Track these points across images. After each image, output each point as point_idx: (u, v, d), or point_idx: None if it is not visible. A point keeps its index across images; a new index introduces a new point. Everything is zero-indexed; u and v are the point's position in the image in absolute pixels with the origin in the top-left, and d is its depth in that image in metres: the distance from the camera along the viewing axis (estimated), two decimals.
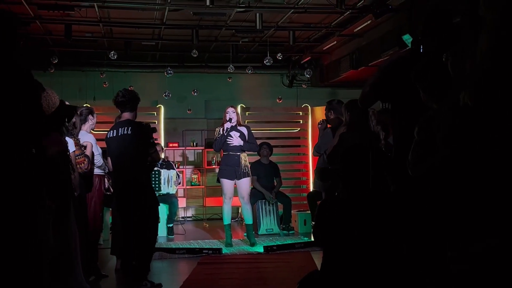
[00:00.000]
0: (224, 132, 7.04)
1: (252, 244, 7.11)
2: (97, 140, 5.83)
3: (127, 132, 5.00)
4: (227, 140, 7.07)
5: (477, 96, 1.85)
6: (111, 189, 6.50)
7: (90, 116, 5.60)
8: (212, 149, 7.72)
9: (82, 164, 4.90)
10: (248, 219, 7.24)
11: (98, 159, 5.65)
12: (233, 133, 7.08)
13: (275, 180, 8.52)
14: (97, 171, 5.80)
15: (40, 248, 2.77)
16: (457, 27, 2.97)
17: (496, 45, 1.80)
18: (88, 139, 5.35)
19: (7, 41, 2.75)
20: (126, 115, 5.17)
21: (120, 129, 5.05)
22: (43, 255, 2.81)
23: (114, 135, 5.07)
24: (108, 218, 7.70)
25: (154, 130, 5.32)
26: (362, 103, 3.47)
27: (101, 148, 5.89)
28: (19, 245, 2.63)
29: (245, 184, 7.13)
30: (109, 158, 5.36)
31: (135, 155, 5.02)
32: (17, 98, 2.66)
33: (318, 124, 7.28)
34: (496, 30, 1.80)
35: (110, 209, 7.07)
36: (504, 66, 1.80)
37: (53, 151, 3.80)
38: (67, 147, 4.26)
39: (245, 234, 7.59)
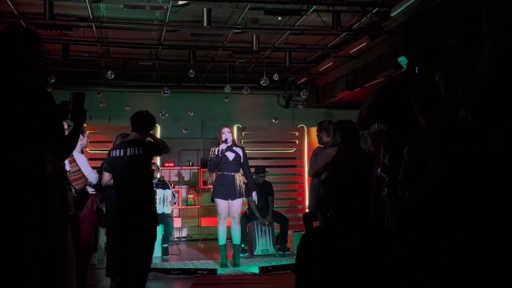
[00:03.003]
0: (219, 153, 7.04)
1: (236, 265, 7.07)
2: (94, 159, 5.82)
3: (139, 152, 4.99)
4: (222, 159, 7.07)
5: (476, 109, 1.84)
6: (103, 209, 6.47)
7: (80, 136, 5.59)
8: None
9: (80, 181, 4.89)
10: (236, 239, 7.21)
11: (94, 177, 5.63)
12: (228, 153, 7.08)
13: (268, 199, 8.53)
14: (88, 190, 5.78)
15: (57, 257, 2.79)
16: (451, 48, 3.00)
17: (496, 57, 1.79)
18: (79, 159, 5.35)
19: (31, 58, 2.78)
20: (135, 135, 5.17)
21: (129, 149, 5.02)
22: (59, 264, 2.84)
23: (121, 155, 5.03)
24: (102, 237, 7.66)
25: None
26: (360, 125, 3.49)
27: (93, 167, 5.89)
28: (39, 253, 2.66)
29: (237, 204, 7.11)
30: (105, 173, 5.33)
31: (146, 175, 5.04)
32: (38, 113, 2.69)
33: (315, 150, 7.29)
34: (497, 42, 1.80)
35: (105, 228, 7.04)
36: (504, 77, 1.79)
37: (50, 169, 3.79)
38: (63, 165, 4.26)
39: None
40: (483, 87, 1.82)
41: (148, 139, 5.36)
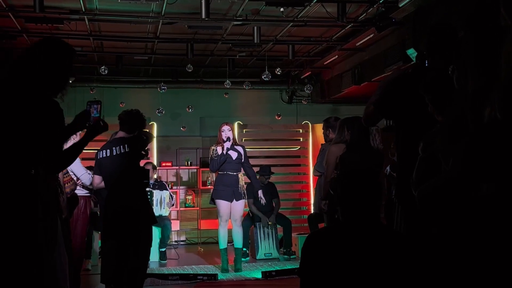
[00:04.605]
0: (224, 151, 7.04)
1: (237, 270, 7.10)
2: (86, 159, 5.80)
3: (125, 150, 5.01)
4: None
5: (506, 108, 1.83)
6: (98, 211, 6.49)
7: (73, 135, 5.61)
8: (208, 169, 7.74)
9: (69, 183, 4.91)
10: (238, 242, 7.23)
11: (87, 178, 5.65)
12: (230, 152, 7.09)
13: (273, 202, 8.53)
14: (82, 192, 5.80)
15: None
16: (460, 42, 3.01)
17: None
18: None
19: (58, 73, 2.84)
20: (121, 134, 5.20)
21: (114, 148, 5.04)
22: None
23: (108, 155, 5.06)
24: (97, 242, 7.67)
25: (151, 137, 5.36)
26: (367, 121, 3.51)
27: (86, 167, 5.91)
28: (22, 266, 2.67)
29: (240, 206, 7.13)
30: (95, 176, 5.36)
31: (134, 174, 5.04)
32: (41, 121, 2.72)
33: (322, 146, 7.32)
34: None
35: (99, 232, 7.06)
36: None
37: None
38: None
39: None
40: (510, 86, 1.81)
41: None
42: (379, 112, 3.38)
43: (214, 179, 7.54)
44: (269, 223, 8.26)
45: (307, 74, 10.41)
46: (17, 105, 2.71)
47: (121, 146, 5.03)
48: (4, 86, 2.77)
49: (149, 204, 5.40)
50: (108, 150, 5.07)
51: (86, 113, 3.00)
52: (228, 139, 7.06)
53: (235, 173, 7.08)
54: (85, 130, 3.06)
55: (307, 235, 8.37)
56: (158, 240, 8.22)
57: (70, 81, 3.04)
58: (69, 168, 5.15)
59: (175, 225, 9.63)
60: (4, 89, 2.75)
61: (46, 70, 2.79)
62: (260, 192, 7.33)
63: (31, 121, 2.70)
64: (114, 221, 5.02)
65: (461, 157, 2.07)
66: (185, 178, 10.72)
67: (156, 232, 8.03)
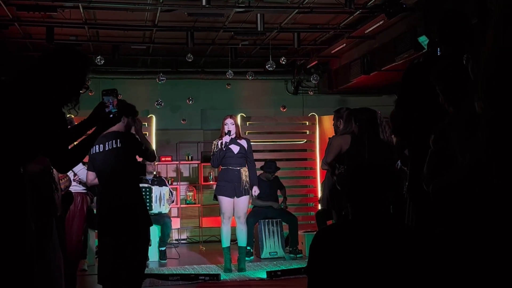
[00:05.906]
0: (223, 146, 7.05)
1: (241, 270, 7.13)
2: None
3: (117, 145, 5.01)
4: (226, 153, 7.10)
5: (486, 102, 1.83)
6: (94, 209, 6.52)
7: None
8: (209, 164, 7.76)
9: (64, 180, 4.93)
10: (242, 241, 7.25)
11: (85, 174, 5.67)
12: (232, 146, 7.10)
13: (281, 193, 8.59)
14: (79, 188, 5.80)
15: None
16: (474, 29, 3.01)
17: (502, 42, 1.78)
18: None
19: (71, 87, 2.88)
20: (114, 127, 5.20)
21: (107, 143, 5.05)
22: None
23: (101, 150, 5.06)
24: (93, 240, 7.71)
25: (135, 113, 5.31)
26: (395, 127, 3.46)
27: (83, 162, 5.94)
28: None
29: (243, 202, 7.14)
30: (88, 172, 5.38)
31: (128, 170, 5.04)
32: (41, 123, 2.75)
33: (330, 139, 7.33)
34: (504, 24, 1.78)
35: (96, 231, 7.09)
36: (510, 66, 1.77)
37: (35, 169, 3.84)
38: (49, 163, 4.29)
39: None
40: (488, 79, 1.79)
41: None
42: (402, 110, 3.32)
43: (217, 174, 7.55)
44: (281, 204, 8.40)
45: (314, 63, 10.40)
46: (12, 105, 2.73)
47: (114, 141, 5.03)
48: (6, 86, 2.79)
49: (144, 202, 5.40)
50: (101, 145, 5.06)
51: (102, 107, 2.98)
52: (229, 132, 7.07)
53: (237, 168, 7.09)
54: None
55: (314, 232, 8.39)
56: (158, 239, 8.25)
57: (82, 92, 3.02)
58: None
59: (176, 223, 9.65)
60: (5, 89, 2.77)
61: (55, 80, 2.81)
62: (255, 188, 7.24)
63: (24, 120, 2.72)
64: (108, 218, 5.03)
65: (481, 152, 2.07)
66: (185, 173, 10.74)
67: (155, 230, 8.06)
